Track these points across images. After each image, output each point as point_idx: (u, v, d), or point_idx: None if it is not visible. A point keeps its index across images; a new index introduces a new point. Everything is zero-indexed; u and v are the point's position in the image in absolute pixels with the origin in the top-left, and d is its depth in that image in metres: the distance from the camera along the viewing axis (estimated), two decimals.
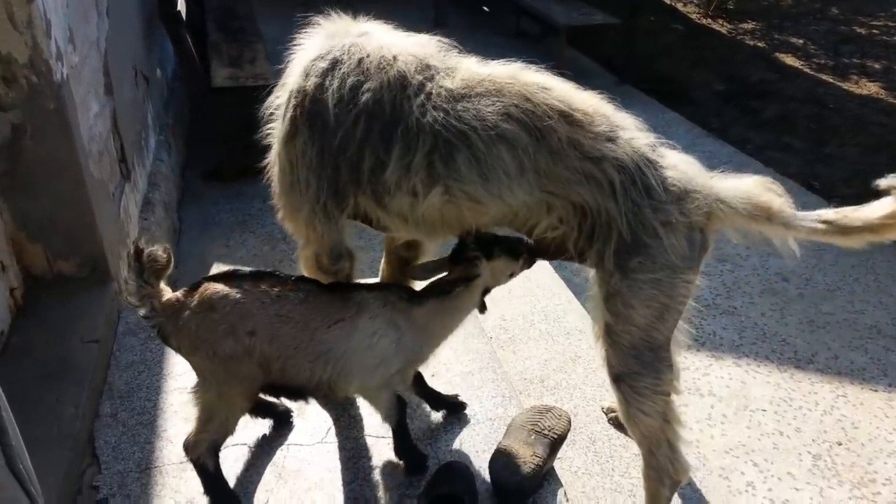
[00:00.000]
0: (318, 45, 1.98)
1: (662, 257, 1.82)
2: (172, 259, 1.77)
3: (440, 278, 1.98)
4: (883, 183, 1.81)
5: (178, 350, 1.81)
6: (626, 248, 1.84)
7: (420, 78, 1.89)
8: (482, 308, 2.03)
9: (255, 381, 1.83)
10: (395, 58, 1.91)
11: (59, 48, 2.41)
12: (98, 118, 2.86)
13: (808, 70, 7.43)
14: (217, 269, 3.84)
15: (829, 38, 8.53)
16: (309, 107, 1.91)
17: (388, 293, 1.90)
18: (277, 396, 2.05)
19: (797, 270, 3.99)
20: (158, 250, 1.74)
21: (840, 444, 2.85)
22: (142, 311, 1.75)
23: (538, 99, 1.83)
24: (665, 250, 1.82)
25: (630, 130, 1.89)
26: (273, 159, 2.06)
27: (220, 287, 1.78)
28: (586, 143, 1.82)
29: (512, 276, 2.02)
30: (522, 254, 1.98)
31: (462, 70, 1.93)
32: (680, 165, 1.90)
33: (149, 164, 3.94)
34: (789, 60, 7.71)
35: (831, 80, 7.15)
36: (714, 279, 3.87)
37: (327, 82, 1.89)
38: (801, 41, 8.37)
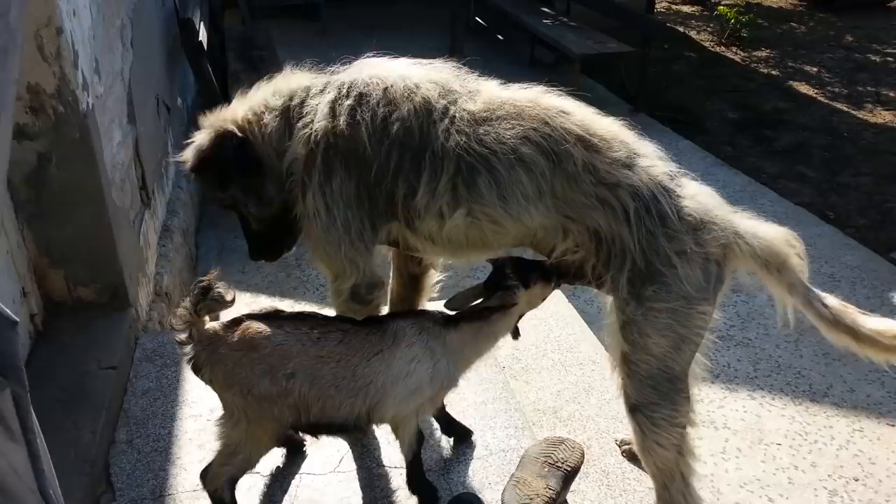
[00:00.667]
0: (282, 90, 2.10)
1: (677, 287, 1.83)
2: (231, 301, 1.78)
3: (477, 305, 1.99)
4: None
5: (210, 383, 1.81)
6: (641, 276, 1.85)
7: (444, 102, 1.93)
8: (515, 334, 2.04)
9: (284, 422, 1.85)
10: (417, 85, 1.95)
11: (86, 79, 2.47)
12: (121, 147, 2.92)
13: (822, 98, 7.44)
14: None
15: (843, 66, 8.55)
16: (343, 145, 1.93)
17: (423, 320, 1.92)
18: (315, 435, 2.06)
19: None
20: (227, 294, 1.75)
21: (857, 480, 2.82)
22: (181, 337, 1.76)
23: (556, 123, 1.87)
24: (680, 280, 1.82)
25: (649, 158, 1.91)
26: (307, 206, 2.03)
27: (261, 327, 1.80)
28: (602, 169, 1.84)
29: (542, 301, 2.03)
30: (554, 278, 1.99)
31: (484, 93, 1.97)
32: (698, 196, 1.90)
33: (168, 191, 4.00)
34: (803, 89, 7.73)
35: (846, 109, 7.16)
36: (728, 310, 3.86)
37: (359, 117, 1.92)
38: (815, 69, 8.40)
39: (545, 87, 1.99)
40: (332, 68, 2.13)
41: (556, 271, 2.00)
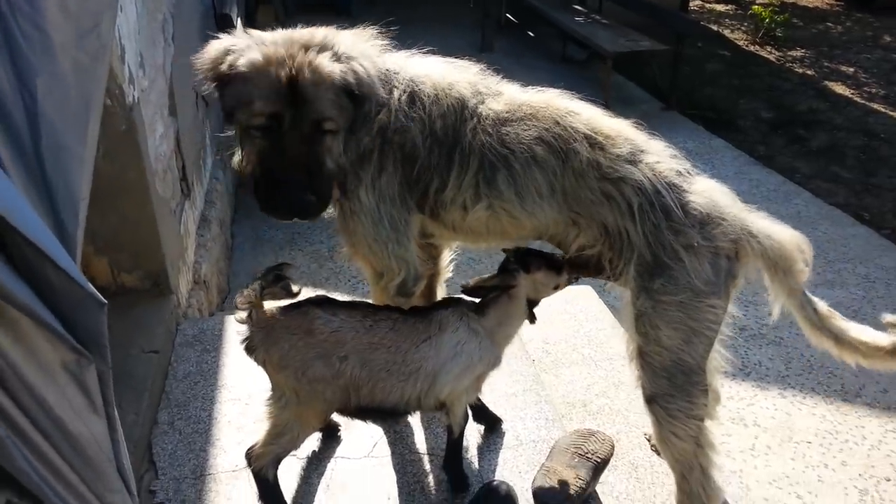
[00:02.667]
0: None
1: (685, 280, 1.86)
2: (293, 292, 1.86)
3: (478, 289, 2.05)
4: (888, 318, 1.95)
5: (263, 364, 1.88)
6: (649, 270, 1.90)
7: (475, 102, 1.99)
8: (532, 318, 2.09)
9: (334, 404, 1.93)
10: (454, 83, 2.00)
11: (132, 73, 2.55)
12: (163, 139, 3.00)
13: (858, 99, 7.34)
14: None
15: (881, 66, 8.41)
16: (397, 141, 1.97)
17: (461, 307, 2.01)
18: (364, 419, 2.15)
19: (845, 302, 3.95)
20: (294, 286, 1.85)
21: (888, 480, 2.80)
22: (241, 316, 1.84)
23: (566, 122, 1.94)
24: (688, 273, 1.86)
25: (656, 155, 1.96)
26: (360, 202, 2.01)
27: (318, 313, 1.88)
28: (605, 165, 1.90)
29: (557, 289, 2.07)
30: (563, 268, 2.03)
31: (506, 95, 2.04)
32: (708, 192, 1.94)
33: (206, 182, 4.09)
34: (839, 89, 7.63)
35: (882, 110, 7.05)
36: (760, 308, 3.84)
37: (414, 114, 1.96)
38: (851, 69, 8.28)
39: (560, 89, 2.05)
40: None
41: (566, 264, 2.05)
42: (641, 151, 1.94)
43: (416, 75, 2.00)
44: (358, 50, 1.91)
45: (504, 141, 1.95)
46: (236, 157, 2.02)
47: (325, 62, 1.80)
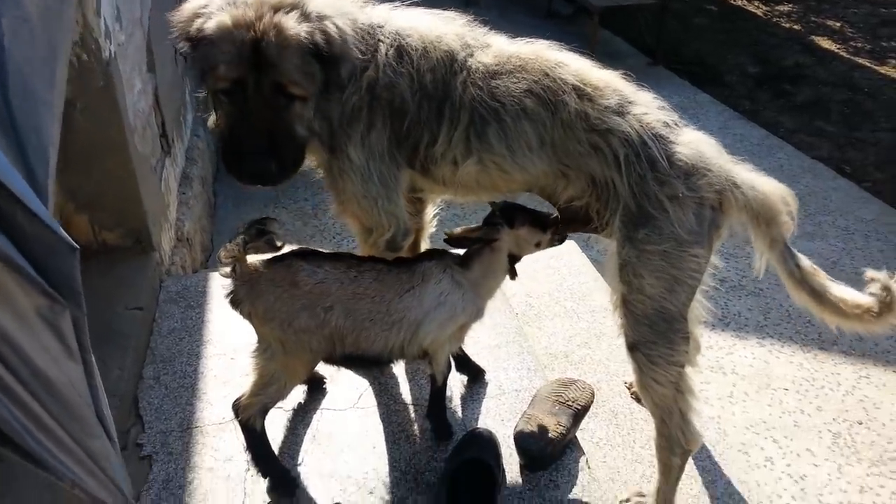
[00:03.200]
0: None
1: (669, 229, 1.89)
2: (278, 245, 1.85)
3: (456, 240, 2.07)
4: (870, 273, 1.94)
5: (248, 317, 1.89)
6: (634, 220, 1.92)
7: (464, 55, 1.98)
8: (512, 274, 2.10)
9: (319, 353, 1.96)
10: (442, 36, 1.98)
11: (108, 26, 2.50)
12: (141, 95, 2.96)
13: (844, 54, 7.31)
14: None
15: (867, 21, 8.36)
16: (385, 97, 1.94)
17: (445, 260, 2.03)
18: (348, 367, 2.23)
19: (824, 254, 4.00)
20: (278, 240, 1.83)
21: (860, 424, 2.88)
22: (224, 270, 1.84)
23: (555, 74, 1.93)
24: (672, 223, 1.88)
25: (643, 106, 1.96)
26: (349, 160, 1.99)
27: (303, 264, 1.89)
28: (593, 116, 1.91)
29: (539, 246, 2.08)
30: (549, 227, 2.05)
31: (494, 47, 2.02)
32: (694, 143, 1.95)
33: (186, 139, 4.05)
34: (825, 44, 7.59)
35: (867, 65, 7.04)
36: (741, 261, 3.89)
37: (402, 69, 1.93)
38: (838, 24, 8.23)
39: (549, 42, 2.04)
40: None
41: (554, 220, 2.06)
42: (630, 103, 1.94)
43: (402, 28, 1.97)
44: (333, 8, 1.86)
45: (494, 94, 1.93)
46: (211, 118, 2.00)
47: (289, 23, 1.74)
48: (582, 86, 1.93)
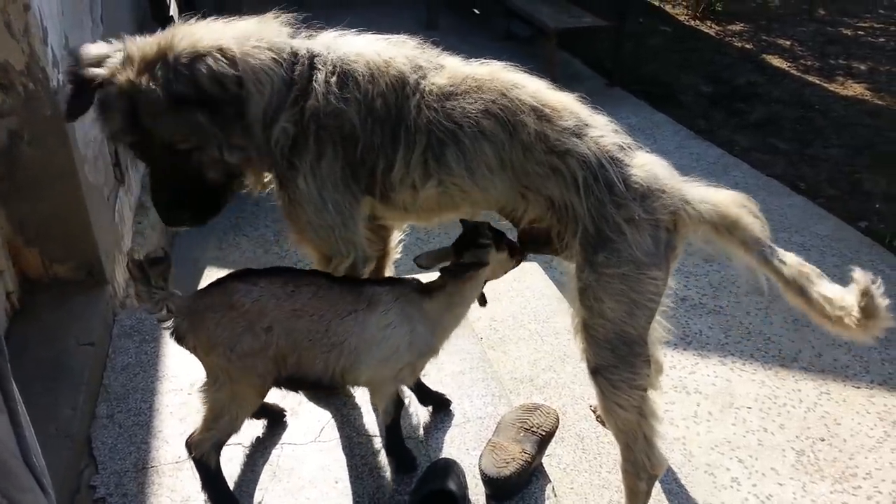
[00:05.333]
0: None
1: (627, 252, 1.89)
2: (170, 256, 1.78)
3: (449, 266, 2.00)
4: (857, 276, 1.78)
5: (193, 350, 1.83)
6: (593, 243, 1.91)
7: (415, 77, 1.97)
8: (482, 301, 2.07)
9: (268, 377, 1.87)
10: (391, 59, 1.97)
11: (56, 55, 2.45)
12: (93, 123, 2.88)
13: (794, 72, 7.52)
14: (211, 272, 3.87)
15: (815, 39, 8.62)
16: (333, 125, 1.92)
17: (400, 287, 1.95)
18: (294, 390, 2.12)
19: None
20: (156, 252, 1.76)
21: (823, 440, 2.92)
22: (158, 315, 1.77)
23: (513, 95, 1.93)
24: (629, 246, 1.88)
25: (599, 129, 1.97)
26: (298, 190, 1.97)
27: (237, 285, 1.82)
28: (553, 137, 1.91)
29: (505, 272, 2.07)
30: (517, 251, 2.04)
31: (448, 68, 2.02)
32: (648, 166, 1.96)
33: (142, 167, 3.97)
34: (776, 62, 7.80)
35: (817, 82, 7.24)
36: (701, 279, 3.94)
37: (349, 95, 1.91)
38: (788, 42, 8.47)
39: (504, 63, 2.04)
40: (302, 30, 2.06)
41: (522, 245, 2.05)
42: (586, 125, 1.95)
43: (346, 55, 1.96)
44: (233, 40, 1.83)
45: (451, 115, 1.92)
46: None
47: (146, 85, 1.73)
48: (540, 107, 1.93)
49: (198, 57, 1.77)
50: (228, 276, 1.88)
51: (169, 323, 1.79)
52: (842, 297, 1.81)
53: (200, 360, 1.86)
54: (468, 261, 1.95)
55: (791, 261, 1.86)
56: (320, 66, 1.93)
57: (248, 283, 1.83)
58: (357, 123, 1.92)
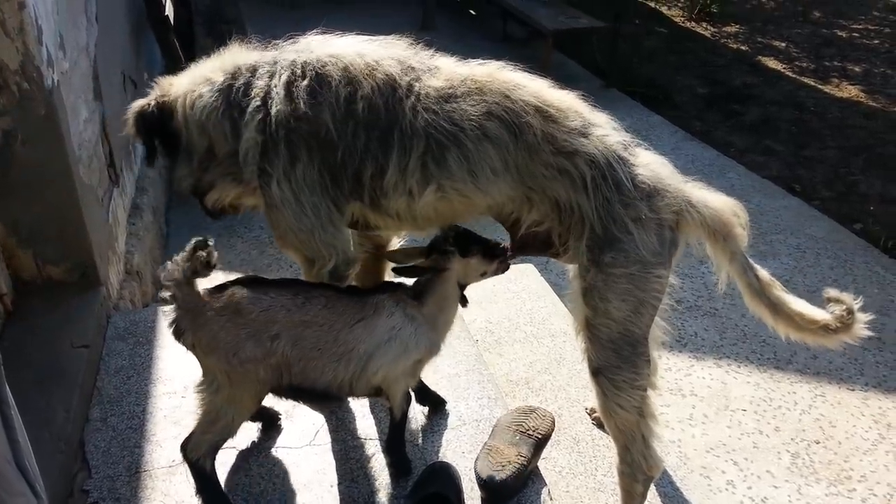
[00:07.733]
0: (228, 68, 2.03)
1: (634, 252, 1.89)
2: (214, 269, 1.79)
3: (412, 266, 2.04)
4: (830, 293, 1.99)
5: (192, 348, 1.82)
6: (600, 243, 1.91)
7: (407, 79, 1.94)
8: (463, 302, 2.08)
9: (267, 384, 1.88)
10: (377, 62, 1.95)
11: (50, 54, 2.43)
12: (87, 123, 2.88)
13: (789, 73, 7.53)
14: None
15: (810, 41, 8.64)
16: (305, 129, 1.91)
17: (399, 294, 1.98)
18: (296, 400, 2.14)
19: (777, 272, 4.04)
20: (212, 258, 1.77)
21: (818, 443, 2.92)
22: (167, 294, 1.75)
23: (516, 96, 1.91)
24: (636, 245, 1.89)
25: (603, 128, 1.96)
26: (272, 196, 2.00)
27: (247, 292, 1.83)
28: (560, 138, 1.89)
29: (483, 275, 2.07)
30: (497, 256, 2.03)
31: (444, 70, 1.99)
32: (652, 165, 1.97)
33: (137, 168, 3.96)
34: (771, 64, 7.81)
35: (812, 84, 7.26)
36: (696, 281, 3.94)
37: (321, 99, 1.91)
38: (783, 44, 8.48)
39: (501, 63, 2.02)
40: (279, 44, 2.09)
41: (500, 250, 2.05)
42: (591, 124, 1.94)
43: (319, 58, 1.94)
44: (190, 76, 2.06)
45: (452, 118, 1.89)
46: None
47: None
48: (545, 107, 1.91)
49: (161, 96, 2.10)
50: (237, 279, 1.88)
51: (170, 312, 1.78)
52: (810, 311, 1.99)
53: (199, 359, 1.85)
54: (426, 264, 2.00)
55: (763, 276, 2.01)
56: (283, 72, 1.94)
57: (259, 292, 1.84)
58: (332, 128, 1.91)
